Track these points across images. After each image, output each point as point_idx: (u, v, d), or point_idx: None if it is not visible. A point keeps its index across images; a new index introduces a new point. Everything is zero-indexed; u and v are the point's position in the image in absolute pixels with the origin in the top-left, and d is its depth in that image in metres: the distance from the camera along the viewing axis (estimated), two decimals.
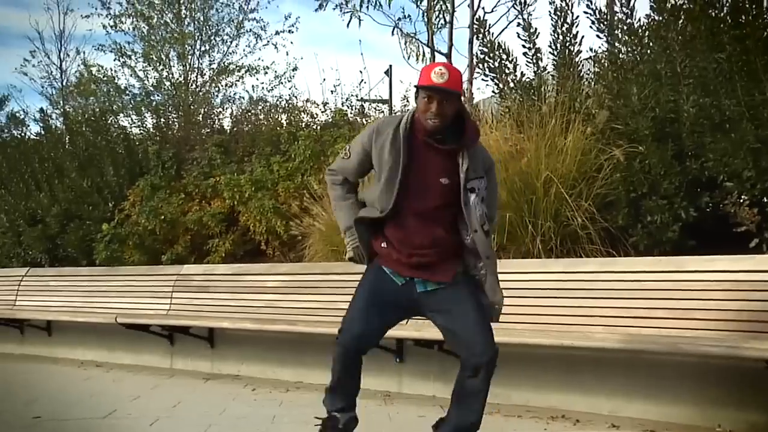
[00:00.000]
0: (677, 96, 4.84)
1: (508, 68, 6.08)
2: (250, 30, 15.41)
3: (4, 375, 6.76)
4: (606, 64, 5.45)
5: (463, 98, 3.36)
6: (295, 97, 9.39)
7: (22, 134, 12.94)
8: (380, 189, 3.26)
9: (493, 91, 6.29)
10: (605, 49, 5.61)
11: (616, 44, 5.51)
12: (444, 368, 5.25)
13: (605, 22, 5.57)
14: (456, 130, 3.23)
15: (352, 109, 8.38)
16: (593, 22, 5.59)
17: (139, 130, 11.14)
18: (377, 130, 3.30)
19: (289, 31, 15.39)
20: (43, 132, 11.30)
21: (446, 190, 3.24)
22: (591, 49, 5.70)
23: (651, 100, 4.94)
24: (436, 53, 8.41)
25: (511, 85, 6.09)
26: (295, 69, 15.17)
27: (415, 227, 3.27)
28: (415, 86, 3.25)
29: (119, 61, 15.19)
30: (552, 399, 4.80)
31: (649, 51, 5.14)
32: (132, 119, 13.33)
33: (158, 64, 14.75)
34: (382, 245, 3.34)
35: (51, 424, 4.49)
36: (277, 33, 15.41)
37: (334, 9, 8.80)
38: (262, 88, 14.76)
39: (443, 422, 3.52)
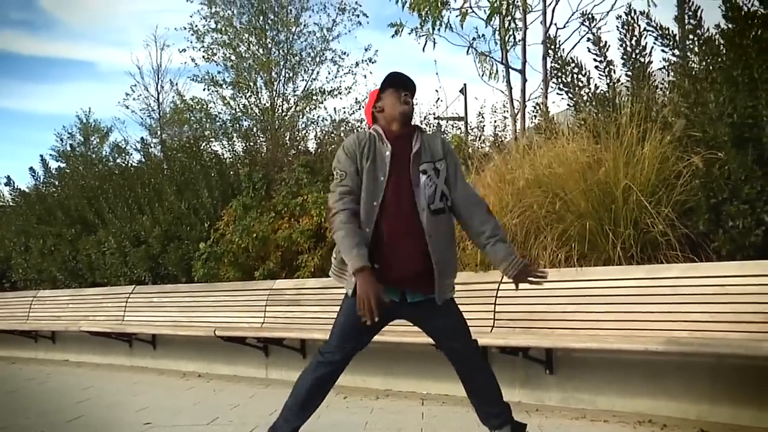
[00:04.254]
0: (755, 101, 4.64)
1: (582, 82, 5.97)
2: (332, 58, 15.64)
3: (117, 385, 6.94)
4: (680, 74, 5.28)
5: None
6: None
7: (125, 162, 13.37)
8: (366, 195, 3.35)
9: (567, 105, 6.19)
10: (677, 60, 5.45)
11: (688, 54, 5.34)
12: (529, 375, 5.17)
13: (669, 38, 5.43)
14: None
15: (430, 127, 8.33)
16: (656, 39, 5.47)
17: (230, 154, 11.37)
18: (357, 143, 3.46)
19: (369, 61, 15.58)
20: (143, 159, 11.66)
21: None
22: (664, 59, 5.55)
23: (728, 106, 4.75)
24: (510, 70, 8.32)
25: (585, 98, 5.98)
26: None
27: (404, 236, 3.32)
28: (384, 87, 3.56)
29: (208, 90, 15.63)
30: (638, 404, 4.66)
31: (723, 59, 4.95)
32: (223, 144, 13.65)
33: (246, 91, 15.07)
34: (375, 266, 3.28)
35: (160, 430, 4.59)
36: (357, 64, 15.59)
37: (409, 34, 8.77)
38: (344, 111, 14.93)
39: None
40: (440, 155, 3.47)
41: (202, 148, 10.72)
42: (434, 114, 9.05)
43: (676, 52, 5.39)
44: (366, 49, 15.85)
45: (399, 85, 3.54)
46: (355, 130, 9.35)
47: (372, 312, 3.16)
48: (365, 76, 16.32)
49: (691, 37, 5.20)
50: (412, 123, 3.59)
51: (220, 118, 15.48)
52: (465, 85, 16.44)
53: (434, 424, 4.54)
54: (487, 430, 3.64)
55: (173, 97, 19.66)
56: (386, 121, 3.54)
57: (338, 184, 3.42)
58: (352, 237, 3.25)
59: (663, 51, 5.41)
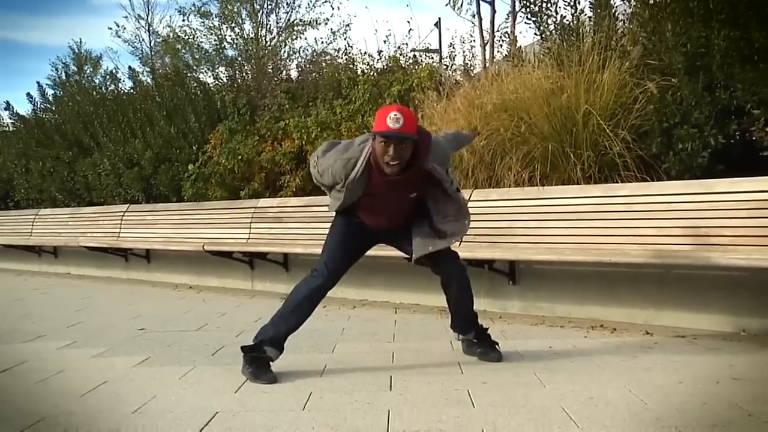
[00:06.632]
0: (708, 31, 4.56)
1: (550, 11, 5.82)
2: None
3: (113, 296, 6.94)
4: (640, 4, 5.15)
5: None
6: (351, 47, 9.19)
7: (118, 89, 13.04)
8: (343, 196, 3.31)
9: (534, 33, 6.04)
10: None
11: None
12: (493, 285, 5.21)
13: None
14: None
15: (404, 56, 8.15)
16: None
17: (215, 81, 11.10)
18: (344, 167, 3.20)
19: None
20: (133, 87, 11.38)
21: (413, 200, 3.33)
22: None
23: (683, 36, 4.67)
24: (480, 2, 8.12)
25: (552, 27, 5.84)
26: (348, 25, 15.00)
27: (382, 215, 3.41)
28: (371, 133, 3.15)
29: (189, 20, 15.23)
30: (592, 311, 4.74)
31: None
32: (208, 73, 13.35)
33: (231, 22, 14.70)
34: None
35: (153, 335, 4.59)
36: None
37: None
38: (322, 41, 14.62)
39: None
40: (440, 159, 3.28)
41: (187, 76, 10.45)
42: (407, 44, 8.80)
43: None
44: None
45: (385, 137, 3.07)
46: (331, 62, 9.09)
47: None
48: (339, 3, 15.85)
49: None
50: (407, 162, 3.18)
51: (203, 47, 15.11)
52: (440, 19, 16.15)
53: (405, 330, 4.57)
54: (453, 332, 3.74)
55: (162, 28, 19.21)
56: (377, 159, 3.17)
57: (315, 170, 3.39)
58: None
59: None
